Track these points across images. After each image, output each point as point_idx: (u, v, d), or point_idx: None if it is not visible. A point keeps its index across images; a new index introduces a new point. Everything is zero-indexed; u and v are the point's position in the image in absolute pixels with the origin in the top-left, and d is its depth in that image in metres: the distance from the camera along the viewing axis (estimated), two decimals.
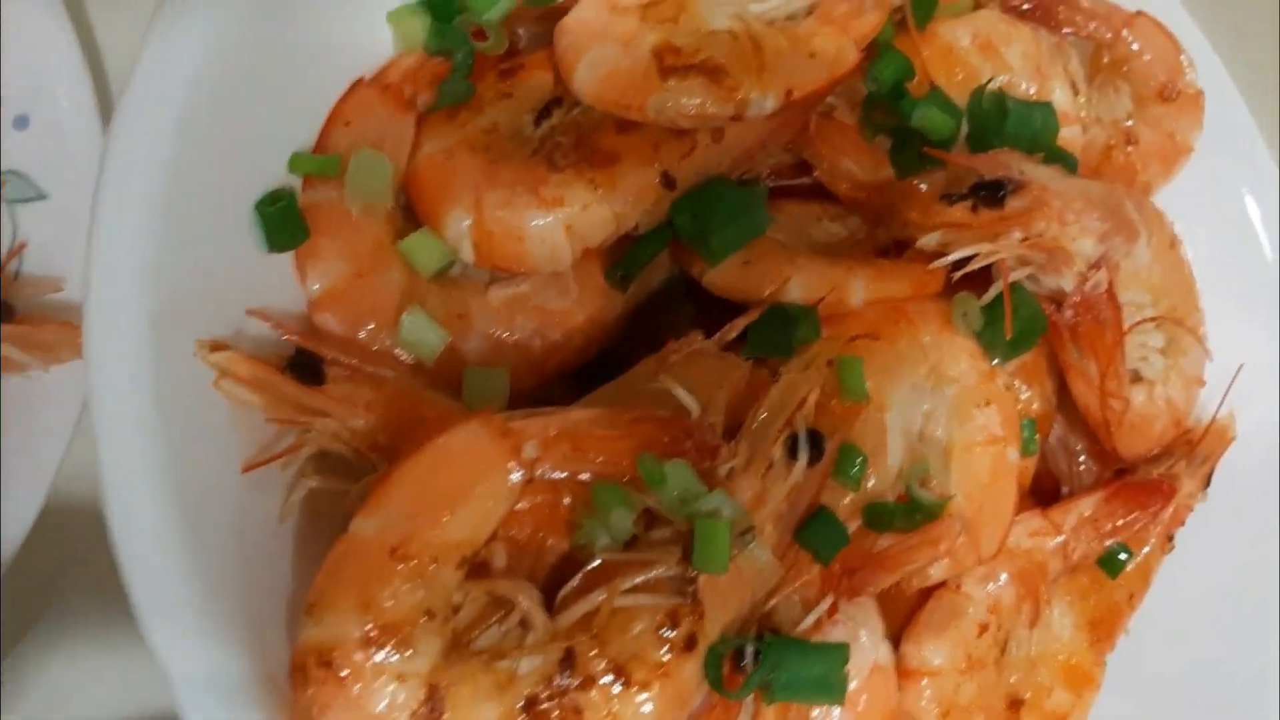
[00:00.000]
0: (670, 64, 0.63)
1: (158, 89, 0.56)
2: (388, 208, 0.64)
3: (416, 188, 0.65)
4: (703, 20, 0.65)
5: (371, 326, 0.63)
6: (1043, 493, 0.76)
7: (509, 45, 0.69)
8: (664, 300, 0.70)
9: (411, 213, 0.66)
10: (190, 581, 0.52)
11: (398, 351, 0.64)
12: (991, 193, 0.65)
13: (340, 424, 0.59)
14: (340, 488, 0.59)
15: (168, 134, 0.56)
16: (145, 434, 0.52)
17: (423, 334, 0.62)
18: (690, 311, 0.70)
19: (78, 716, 0.59)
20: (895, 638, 0.67)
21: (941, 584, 0.68)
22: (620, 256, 0.67)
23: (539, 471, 0.55)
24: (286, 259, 0.63)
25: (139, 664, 0.61)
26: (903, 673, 0.66)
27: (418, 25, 0.67)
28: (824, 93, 0.65)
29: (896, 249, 0.70)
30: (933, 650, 0.66)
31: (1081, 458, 0.78)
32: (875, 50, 0.69)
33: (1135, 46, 0.80)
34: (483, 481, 0.54)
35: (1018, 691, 0.69)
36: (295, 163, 0.63)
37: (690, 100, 0.62)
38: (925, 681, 0.66)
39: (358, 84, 0.66)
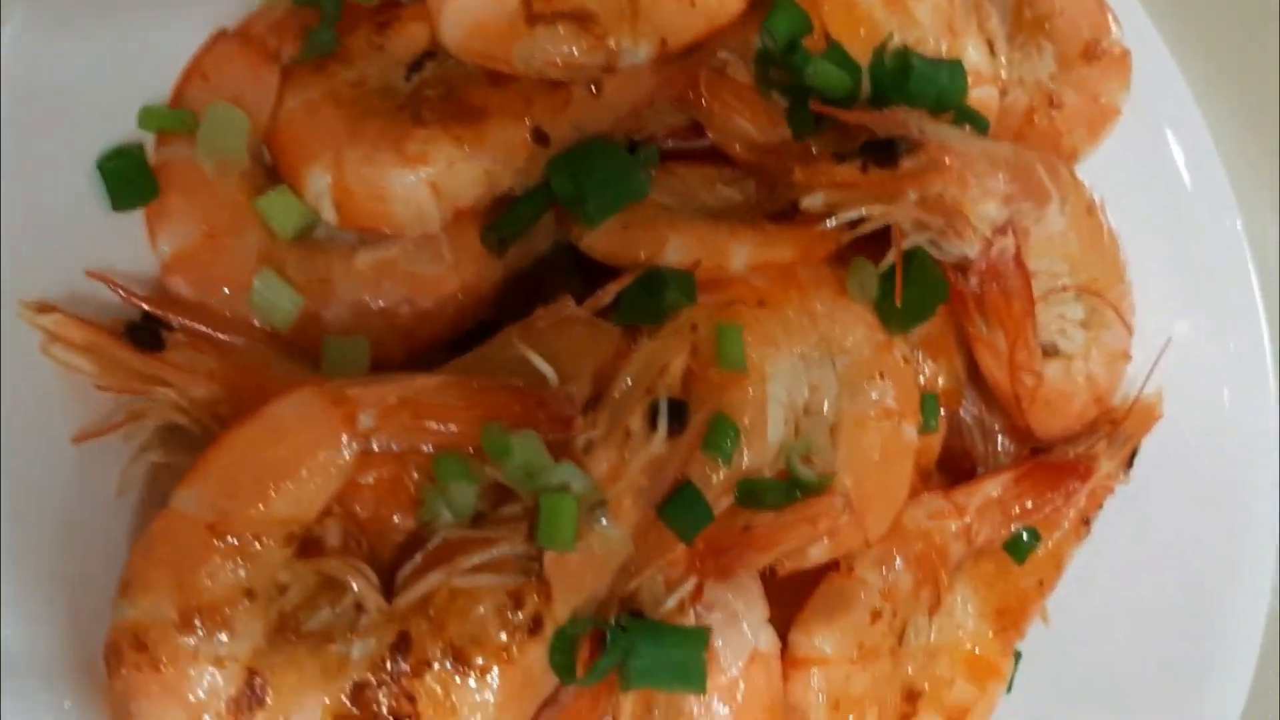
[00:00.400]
0: (538, 10, 0.59)
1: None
2: (244, 165, 0.61)
3: (277, 144, 0.62)
4: None
5: (226, 291, 0.59)
6: (959, 473, 0.72)
7: None
8: (549, 270, 0.66)
9: (276, 172, 0.62)
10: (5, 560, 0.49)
11: (251, 317, 0.60)
12: (884, 152, 0.61)
13: (180, 393, 0.56)
14: (187, 462, 0.56)
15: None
16: None
17: (275, 298, 0.59)
18: (577, 282, 0.66)
19: None
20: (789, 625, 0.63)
21: (832, 568, 0.64)
22: (494, 221, 0.63)
23: (376, 442, 0.51)
24: (139, 221, 0.59)
25: None
26: (790, 662, 0.62)
27: None
28: (705, 44, 0.61)
29: (793, 214, 0.66)
30: (822, 638, 0.63)
31: (999, 437, 0.74)
32: (771, 2, 0.65)
33: (1058, 2, 0.76)
34: (313, 453, 0.51)
35: (916, 683, 0.66)
36: (145, 117, 0.60)
37: (558, 48, 0.59)
38: (814, 671, 0.63)
39: (219, 35, 0.63)
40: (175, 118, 0.60)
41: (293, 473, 0.50)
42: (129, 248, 0.60)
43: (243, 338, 0.59)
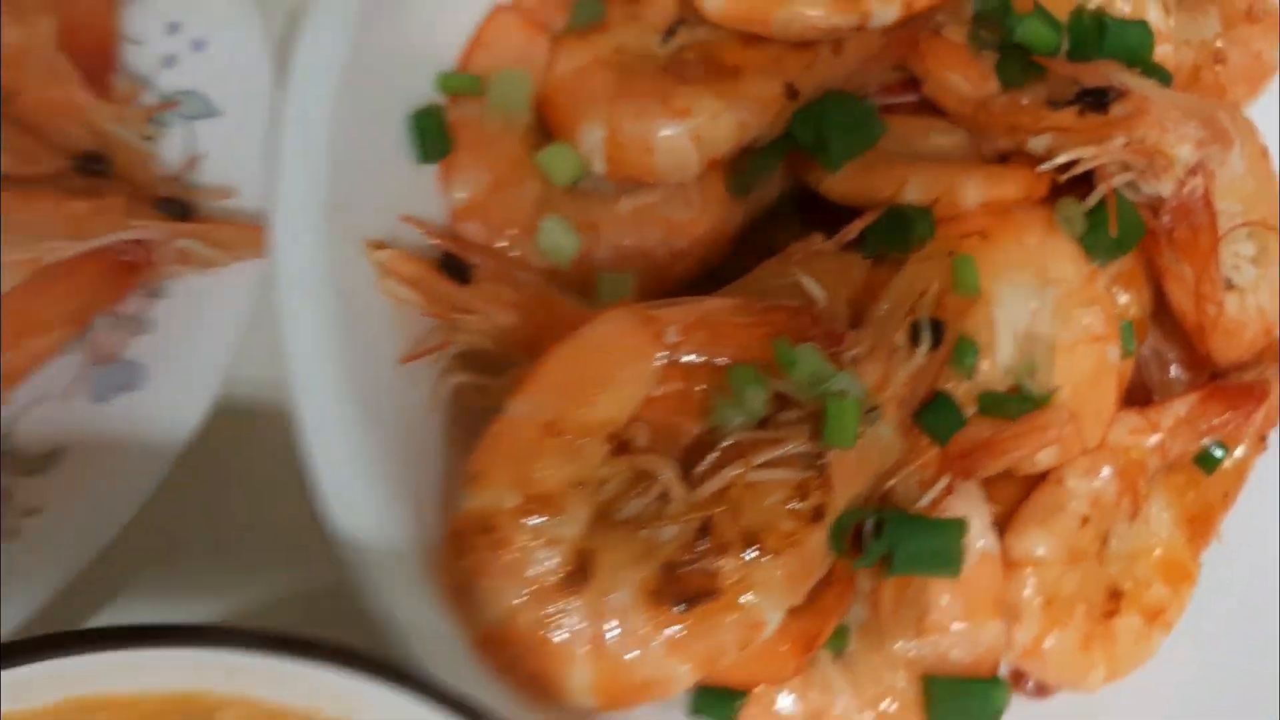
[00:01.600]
0: None
1: (329, 21, 0.60)
2: (525, 123, 0.68)
3: (552, 104, 0.69)
4: None
5: (510, 233, 0.67)
6: (1136, 403, 0.79)
7: None
8: (772, 215, 0.74)
9: (546, 130, 0.70)
10: (363, 457, 0.57)
11: (533, 257, 0.68)
12: (1097, 98, 0.68)
13: (487, 321, 0.64)
14: (484, 382, 0.64)
15: (340, 56, 0.60)
16: (325, 319, 0.57)
17: (559, 240, 0.67)
18: (797, 225, 0.74)
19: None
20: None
21: (1044, 477, 0.71)
22: (739, 170, 0.70)
23: (679, 355, 0.59)
24: (430, 172, 0.68)
25: None
26: (1007, 564, 0.69)
27: None
28: (940, 5, 0.68)
29: (999, 160, 0.74)
30: (1036, 541, 0.70)
31: (1173, 367, 0.81)
32: None
33: None
34: (629, 363, 0.58)
35: (1118, 583, 0.72)
36: (442, 81, 0.67)
37: (816, 12, 0.66)
38: (1029, 571, 0.69)
39: (497, 9, 0.70)
40: (467, 81, 0.68)
41: (612, 380, 0.58)
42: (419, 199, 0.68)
43: (528, 273, 0.67)
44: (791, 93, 0.68)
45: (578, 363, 0.58)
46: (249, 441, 0.63)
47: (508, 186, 0.67)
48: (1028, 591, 0.69)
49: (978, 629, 0.66)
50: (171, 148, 0.63)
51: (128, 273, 0.58)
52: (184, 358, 0.59)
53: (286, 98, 0.58)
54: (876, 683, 0.66)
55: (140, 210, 0.57)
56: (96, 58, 0.63)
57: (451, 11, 0.69)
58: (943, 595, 0.65)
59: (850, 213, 0.70)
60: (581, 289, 0.68)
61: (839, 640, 0.65)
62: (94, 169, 0.60)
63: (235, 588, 0.63)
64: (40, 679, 0.41)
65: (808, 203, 0.73)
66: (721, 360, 0.60)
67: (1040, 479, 0.71)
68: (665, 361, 0.59)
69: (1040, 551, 0.69)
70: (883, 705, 0.66)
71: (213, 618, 0.61)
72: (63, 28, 0.62)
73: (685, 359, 0.60)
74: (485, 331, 0.64)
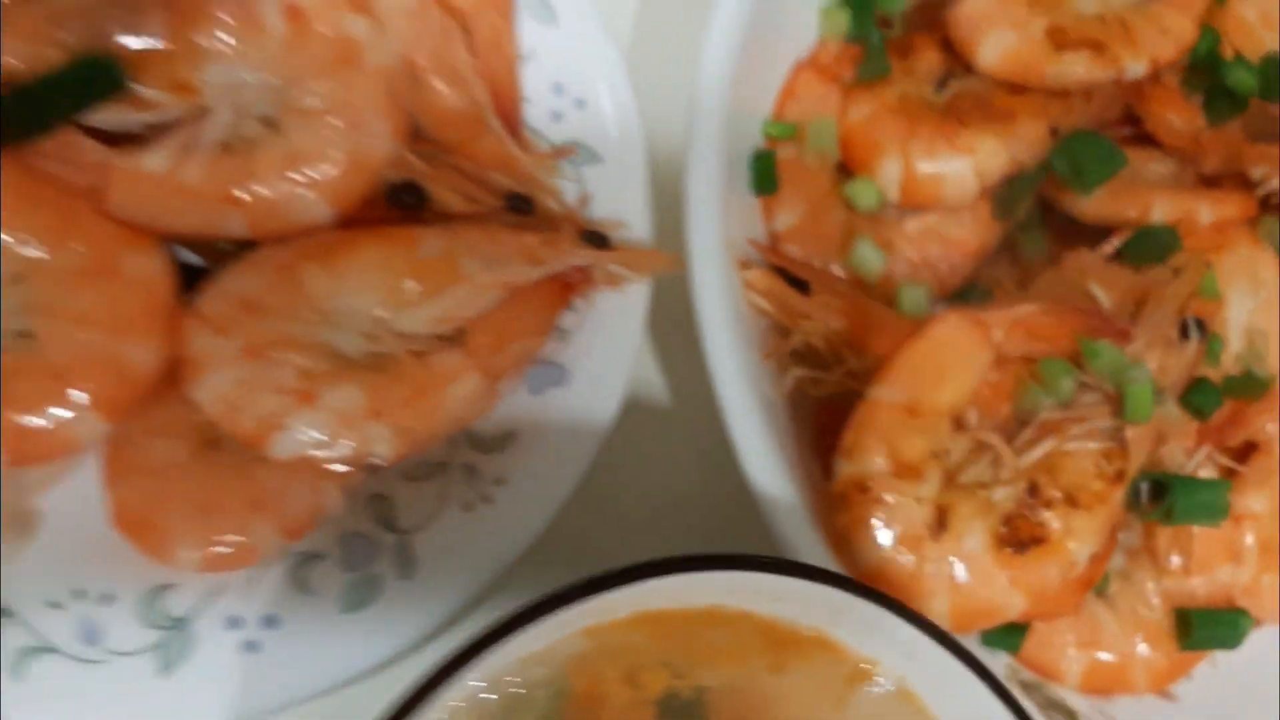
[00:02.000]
0: (1061, 41, 0.82)
1: (715, 91, 0.75)
2: (834, 161, 0.84)
3: (853, 144, 0.84)
4: (1077, 7, 0.84)
5: (826, 252, 0.83)
6: None
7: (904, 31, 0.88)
8: (1020, 229, 0.89)
9: (847, 166, 0.85)
10: (765, 432, 0.72)
11: (844, 272, 0.83)
12: None
13: (823, 324, 0.79)
14: (817, 375, 0.79)
15: (722, 118, 0.75)
16: (729, 323, 0.72)
17: (869, 258, 0.82)
18: (1042, 237, 0.89)
19: None
20: None
21: (1255, 449, 0.86)
22: (1003, 194, 0.86)
23: (1003, 351, 0.75)
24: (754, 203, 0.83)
25: None
26: (1231, 517, 0.84)
27: (839, 18, 0.86)
28: (1176, 60, 0.84)
29: (1207, 183, 0.89)
30: (1254, 499, 0.85)
31: None
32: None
33: None
34: (967, 357, 0.74)
35: None
36: (768, 129, 0.83)
37: (1081, 68, 0.81)
38: (1248, 523, 0.85)
39: (800, 66, 0.86)
40: (785, 129, 0.83)
41: (955, 371, 0.73)
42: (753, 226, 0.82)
43: (845, 284, 0.82)
44: (1054, 133, 0.83)
45: (927, 357, 0.73)
46: (651, 425, 0.78)
47: (822, 214, 0.82)
48: (1248, 540, 0.84)
49: (1218, 570, 0.81)
50: (568, 189, 0.77)
51: (567, 291, 0.73)
52: (599, 359, 0.74)
53: (690, 152, 0.73)
54: (1135, 616, 0.81)
55: (577, 241, 0.72)
56: (509, 115, 0.77)
57: (771, 71, 0.83)
58: (1195, 543, 0.80)
59: (1087, 228, 0.85)
60: (883, 298, 0.83)
61: (1103, 583, 0.80)
62: (522, 208, 0.75)
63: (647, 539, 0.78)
64: (617, 600, 0.55)
65: (1049, 217, 0.87)
66: (1034, 353, 0.75)
67: (1252, 447, 0.86)
68: (991, 356, 0.74)
69: (1257, 507, 0.84)
70: (1141, 634, 0.81)
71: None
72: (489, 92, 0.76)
73: (1006, 353, 0.74)
74: (819, 333, 0.79)
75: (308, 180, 0.64)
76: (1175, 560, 0.78)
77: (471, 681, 0.52)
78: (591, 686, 0.55)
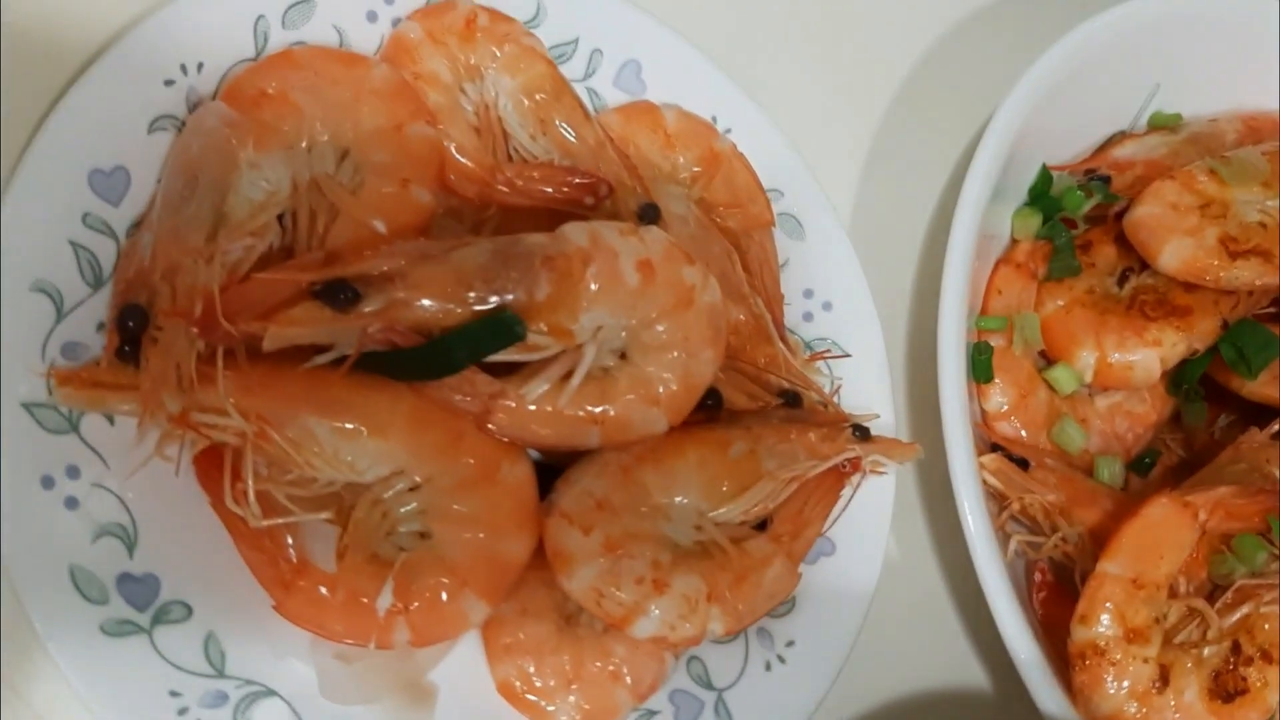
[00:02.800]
0: (1234, 249, 0.96)
1: (955, 294, 0.89)
2: (1039, 349, 0.98)
3: (1050, 334, 0.98)
4: (1241, 216, 0.98)
5: (1031, 430, 0.96)
6: None
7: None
8: (1186, 400, 1.03)
9: (1041, 352, 0.99)
10: (1016, 603, 0.85)
11: (1047, 446, 0.97)
12: None
13: (1040, 498, 0.92)
14: (1035, 540, 0.93)
15: (961, 320, 0.89)
16: (981, 505, 0.86)
17: (1072, 435, 0.96)
18: (1204, 408, 1.03)
19: None
20: None
21: None
22: (1177, 372, 1.00)
23: (1205, 527, 0.88)
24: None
25: None
26: None
27: (1033, 221, 1.00)
28: None
29: None
30: None
31: None
32: None
33: None
34: (1178, 534, 0.87)
35: None
36: (982, 323, 0.96)
37: (1252, 274, 0.95)
38: None
39: (999, 264, 0.99)
40: (997, 322, 0.97)
41: (1168, 547, 0.87)
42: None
43: (1052, 460, 0.96)
44: (1225, 325, 0.97)
45: (1144, 535, 0.87)
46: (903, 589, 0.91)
47: (1028, 396, 0.96)
48: None
49: None
50: (824, 382, 0.91)
51: (844, 478, 0.87)
52: (859, 533, 0.87)
53: (940, 350, 0.86)
54: None
55: (846, 435, 0.86)
56: (776, 318, 0.91)
57: (976, 272, 0.97)
58: None
59: (1234, 397, 0.99)
60: (1081, 468, 0.96)
61: None
62: (793, 403, 0.88)
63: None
64: None
65: (1211, 390, 1.01)
66: (1231, 530, 0.88)
67: None
68: (1197, 533, 0.87)
69: None
70: None
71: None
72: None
73: (1209, 530, 0.88)
74: (1038, 505, 0.92)
75: (653, 399, 0.76)
76: None
77: None
78: None
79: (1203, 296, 0.96)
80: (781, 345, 0.86)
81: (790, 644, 0.83)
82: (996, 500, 0.93)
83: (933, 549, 0.93)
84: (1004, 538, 0.92)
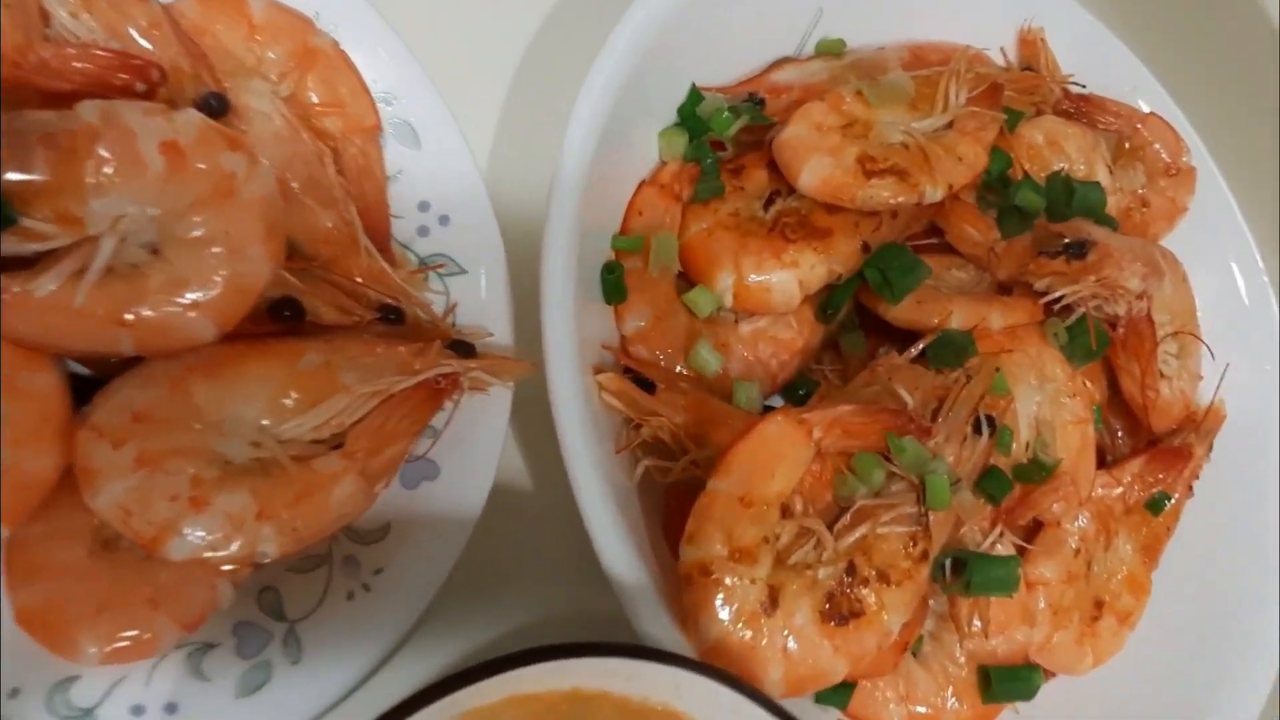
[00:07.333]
0: (870, 169, 0.93)
1: (564, 206, 0.84)
2: (676, 271, 0.94)
3: (690, 257, 0.94)
4: (883, 137, 0.96)
5: (670, 353, 0.92)
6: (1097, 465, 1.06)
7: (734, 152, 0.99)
8: (842, 329, 1.01)
9: (687, 275, 0.95)
10: (617, 520, 0.81)
11: (686, 370, 0.93)
12: (1078, 250, 0.97)
13: (668, 420, 0.88)
14: (663, 464, 0.89)
15: (574, 232, 0.85)
16: (583, 422, 0.81)
17: (707, 358, 0.92)
18: (861, 337, 1.00)
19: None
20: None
21: (1046, 524, 0.99)
22: (825, 298, 0.97)
23: (822, 446, 0.85)
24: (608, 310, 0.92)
25: None
26: (1026, 584, 0.96)
27: (678, 141, 0.97)
28: (968, 185, 0.96)
29: (1003, 289, 1.02)
30: (1045, 568, 0.96)
31: (1120, 435, 1.10)
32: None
33: (1148, 137, 1.13)
34: (792, 453, 0.84)
35: (1100, 596, 1.00)
36: (616, 243, 0.92)
37: (888, 193, 0.93)
38: (1041, 590, 0.96)
39: (643, 185, 0.95)
40: (633, 242, 0.93)
41: (781, 465, 0.83)
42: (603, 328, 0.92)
43: (687, 382, 0.92)
44: (866, 248, 0.94)
45: (755, 453, 0.83)
46: (509, 512, 0.86)
47: (665, 319, 0.92)
48: (1041, 604, 0.96)
49: (1014, 631, 0.93)
50: (436, 299, 0.85)
51: (437, 396, 0.81)
52: (467, 455, 0.82)
53: (545, 262, 0.82)
54: (945, 673, 0.92)
55: (443, 351, 0.80)
56: (379, 231, 0.85)
57: (620, 186, 0.93)
58: (993, 609, 0.91)
59: (898, 329, 0.97)
60: (721, 393, 0.92)
61: (917, 644, 0.91)
62: (393, 319, 0.83)
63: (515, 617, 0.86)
64: (490, 687, 0.63)
65: (867, 319, 0.99)
66: (849, 448, 0.85)
67: (1044, 523, 0.98)
68: (813, 451, 0.84)
69: (1048, 575, 0.96)
70: (950, 689, 0.92)
71: (503, 640, 0.84)
72: (358, 211, 0.84)
73: (825, 448, 0.85)
74: (665, 427, 0.88)
75: (191, 303, 0.70)
76: (975, 625, 0.89)
77: None
78: None
79: (844, 219, 0.94)
80: (378, 255, 0.80)
81: (379, 572, 0.77)
82: (633, 426, 0.88)
83: (559, 476, 0.88)
84: (635, 460, 0.87)
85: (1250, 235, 1.12)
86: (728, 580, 0.79)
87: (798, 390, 0.97)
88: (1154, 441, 1.06)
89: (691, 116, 0.96)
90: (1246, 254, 1.13)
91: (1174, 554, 1.05)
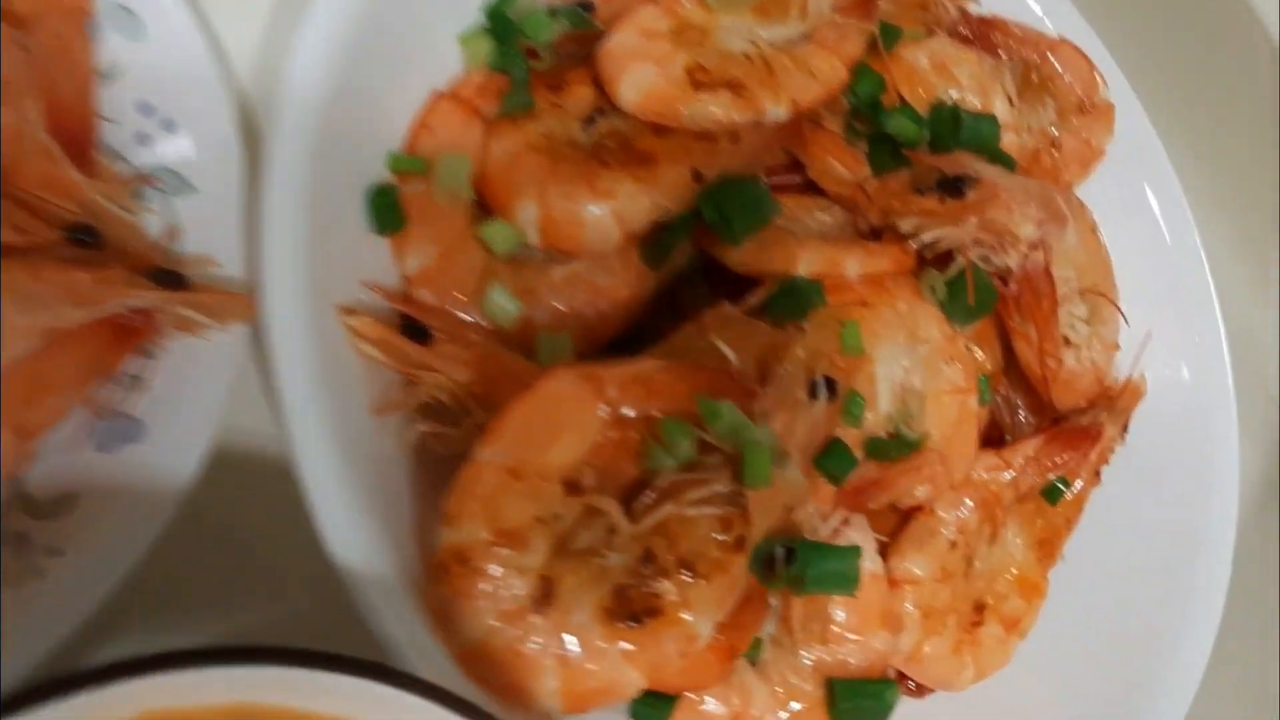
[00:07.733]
0: (700, 80, 0.77)
1: (298, 113, 0.69)
2: (468, 200, 0.78)
3: (490, 183, 0.78)
4: (722, 45, 0.80)
5: (459, 299, 0.76)
6: (990, 442, 0.91)
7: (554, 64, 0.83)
8: (682, 280, 0.85)
9: (483, 205, 0.79)
10: (352, 496, 0.65)
11: (480, 320, 0.77)
12: (955, 186, 0.81)
13: (445, 377, 0.72)
14: (444, 431, 0.73)
15: (310, 146, 0.69)
16: (311, 376, 0.65)
17: (503, 305, 0.76)
18: (705, 290, 0.84)
19: None
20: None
21: (918, 509, 0.83)
22: (653, 242, 0.81)
23: (618, 408, 0.69)
24: (380, 243, 0.76)
25: None
26: (890, 582, 0.81)
27: (483, 47, 0.81)
28: (821, 104, 0.80)
29: (874, 235, 0.86)
30: (914, 563, 0.81)
31: (1020, 412, 0.94)
32: (855, 70, 0.85)
33: (1058, 67, 0.97)
34: (575, 415, 0.68)
35: (982, 597, 0.84)
36: (392, 162, 0.76)
37: (718, 109, 0.77)
38: (908, 589, 0.81)
39: (437, 97, 0.79)
40: (414, 162, 0.77)
41: (562, 430, 0.67)
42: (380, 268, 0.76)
43: (478, 334, 0.76)
44: (697, 177, 0.78)
45: (532, 415, 0.67)
46: (244, 485, 0.70)
47: (455, 256, 0.76)
48: (908, 606, 0.80)
49: (869, 638, 0.77)
50: (153, 221, 0.69)
51: (128, 336, 0.65)
52: (179, 412, 0.66)
53: (265, 178, 0.66)
54: (787, 686, 0.76)
55: (137, 280, 0.64)
56: (78, 135, 0.69)
57: (400, 97, 0.77)
58: (840, 610, 0.75)
59: (750, 280, 0.80)
60: (524, 347, 0.76)
61: (754, 650, 0.75)
62: (85, 240, 0.67)
63: (236, 615, 0.70)
64: (120, 696, 0.47)
65: (712, 269, 0.83)
66: (654, 413, 0.69)
67: (915, 510, 0.82)
68: (607, 414, 0.68)
69: (917, 572, 0.81)
70: (793, 705, 0.76)
71: (219, 641, 0.67)
72: (47, 108, 0.68)
73: (623, 412, 0.69)
74: (443, 386, 0.72)
75: None
76: (810, 629, 0.74)
77: None
78: None
79: (673, 143, 0.79)
80: (65, 162, 0.64)
81: (54, 553, 0.61)
82: (408, 383, 0.73)
83: None
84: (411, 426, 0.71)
85: (1177, 180, 0.96)
86: (490, 569, 0.63)
87: (623, 351, 0.81)
88: (1059, 420, 0.90)
89: (500, 18, 0.80)
90: (1176, 206, 0.97)
91: (1093, 552, 0.92)
